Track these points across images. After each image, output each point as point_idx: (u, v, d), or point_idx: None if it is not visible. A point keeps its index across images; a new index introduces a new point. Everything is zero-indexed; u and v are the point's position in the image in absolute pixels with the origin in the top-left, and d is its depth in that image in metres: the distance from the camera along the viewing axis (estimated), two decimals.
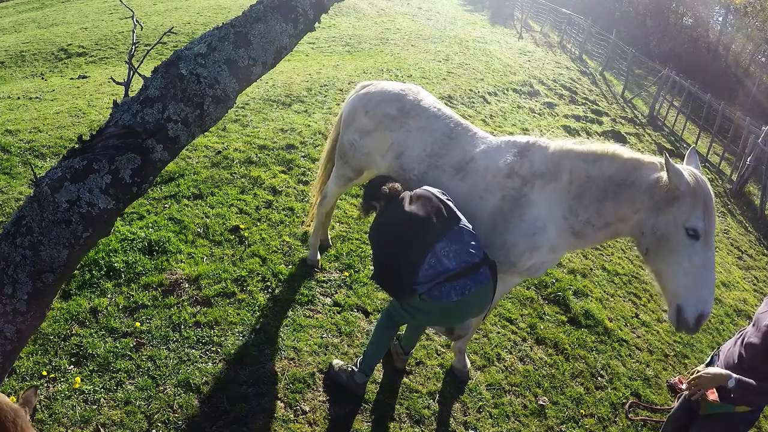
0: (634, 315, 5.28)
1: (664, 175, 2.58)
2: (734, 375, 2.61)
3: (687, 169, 2.60)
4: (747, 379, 2.61)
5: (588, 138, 10.81)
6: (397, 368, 3.58)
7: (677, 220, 2.54)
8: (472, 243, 2.75)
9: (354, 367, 3.28)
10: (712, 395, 2.75)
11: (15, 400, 2.17)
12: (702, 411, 2.88)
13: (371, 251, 3.02)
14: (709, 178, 12.38)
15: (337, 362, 3.40)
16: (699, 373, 2.70)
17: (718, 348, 3.08)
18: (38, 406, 2.80)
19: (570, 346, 4.40)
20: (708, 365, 2.95)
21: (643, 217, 2.65)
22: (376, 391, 3.43)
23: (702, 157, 13.49)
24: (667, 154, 2.61)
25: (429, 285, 2.66)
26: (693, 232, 2.51)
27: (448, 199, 2.87)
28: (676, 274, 2.56)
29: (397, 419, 3.29)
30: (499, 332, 4.26)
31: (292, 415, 3.12)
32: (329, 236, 4.66)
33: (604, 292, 5.43)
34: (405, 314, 2.97)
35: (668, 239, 2.57)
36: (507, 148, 3.11)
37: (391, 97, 3.48)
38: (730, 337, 5.71)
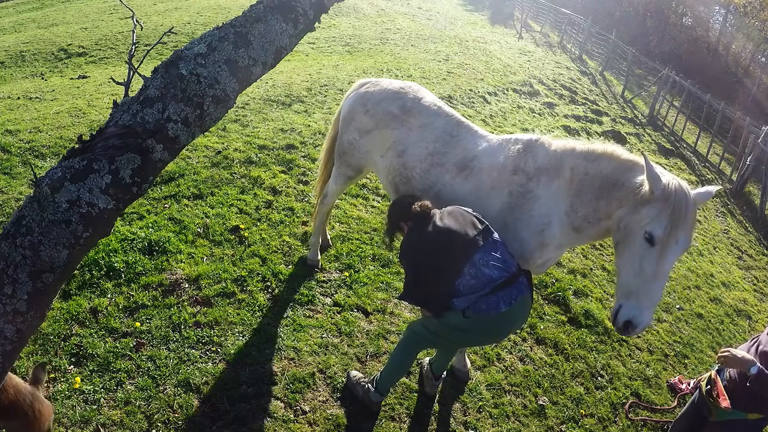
0: None
1: None
2: (758, 364, 2.61)
3: (673, 179, 2.55)
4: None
5: (588, 138, 10.83)
6: (427, 393, 3.47)
7: (642, 222, 2.53)
8: (507, 254, 2.72)
9: (370, 385, 3.20)
10: (725, 402, 2.75)
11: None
12: (713, 417, 2.88)
13: (404, 271, 2.95)
14: (709, 178, 12.41)
15: (355, 374, 3.37)
16: (729, 351, 2.72)
17: None
18: None
19: (570, 346, 4.40)
20: (719, 371, 2.95)
21: (623, 213, 2.64)
22: None
23: (702, 157, 13.49)
24: (647, 156, 2.59)
25: (473, 297, 2.57)
26: (649, 236, 2.48)
27: (477, 215, 2.83)
28: (627, 275, 2.56)
29: (397, 419, 3.29)
30: None
31: (292, 415, 3.12)
32: (329, 236, 4.66)
33: (604, 292, 5.43)
34: (435, 337, 2.86)
35: (630, 237, 2.57)
36: (509, 145, 3.10)
37: (392, 96, 3.45)
38: (731, 337, 5.74)
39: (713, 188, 2.69)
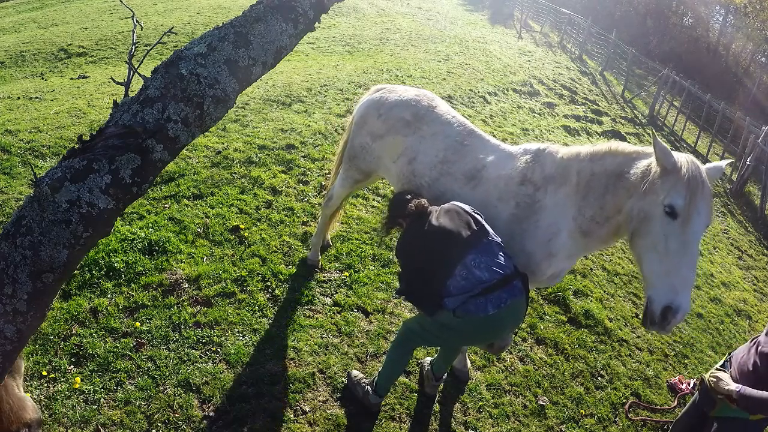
0: (634, 315, 5.28)
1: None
2: (737, 387, 2.64)
3: (681, 154, 2.50)
4: (751, 392, 2.62)
5: (588, 138, 10.83)
6: (427, 393, 3.47)
7: (659, 199, 2.42)
8: (503, 255, 2.69)
9: (369, 387, 3.21)
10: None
11: None
12: (714, 412, 2.88)
13: (399, 267, 2.97)
14: None
15: (356, 374, 3.37)
16: (717, 377, 2.78)
17: (730, 354, 3.07)
18: (38, 406, 2.79)
19: (570, 346, 4.40)
20: (723, 367, 2.96)
21: (634, 201, 2.56)
22: None
23: (702, 157, 13.50)
24: (655, 131, 2.53)
25: (463, 298, 2.57)
26: (670, 209, 2.36)
27: (476, 213, 2.82)
28: (652, 260, 2.40)
29: (397, 419, 3.29)
30: None
31: (292, 415, 3.12)
32: (329, 236, 4.66)
33: (604, 292, 5.43)
34: (429, 335, 2.86)
35: (648, 219, 2.45)
36: (519, 155, 3.07)
37: (406, 102, 3.46)
38: (731, 337, 5.74)
39: (723, 162, 2.61)
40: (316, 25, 2.18)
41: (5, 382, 2.02)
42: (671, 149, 2.49)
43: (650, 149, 2.61)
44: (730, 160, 2.92)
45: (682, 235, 2.35)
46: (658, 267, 2.38)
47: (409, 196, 3.03)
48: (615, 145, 2.78)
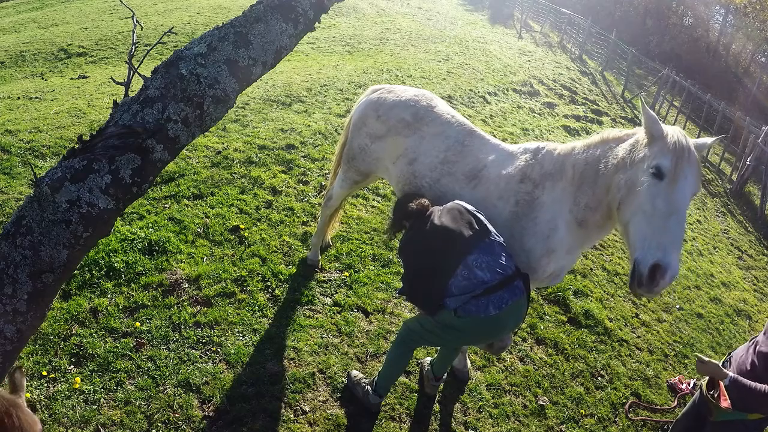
0: (634, 315, 5.28)
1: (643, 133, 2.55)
2: (730, 374, 2.65)
3: (670, 126, 2.53)
4: (743, 380, 2.63)
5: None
6: (427, 393, 3.48)
7: (645, 164, 2.43)
8: (504, 255, 2.69)
9: (369, 387, 3.21)
10: (725, 402, 2.77)
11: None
12: (713, 417, 2.89)
13: (402, 267, 2.97)
14: (709, 178, 12.43)
15: (355, 374, 3.37)
16: (704, 359, 2.79)
17: (729, 354, 3.08)
18: (38, 407, 2.80)
19: (570, 346, 4.40)
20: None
21: (621, 174, 2.57)
22: None
23: (702, 157, 13.48)
24: (644, 100, 2.57)
25: (464, 298, 2.57)
26: (656, 169, 2.36)
27: (478, 212, 2.82)
28: (639, 222, 2.37)
29: (397, 419, 3.29)
30: None
31: (292, 415, 3.12)
32: (329, 236, 4.66)
33: (604, 292, 5.43)
34: (430, 335, 2.86)
35: (636, 185, 2.45)
36: (519, 154, 3.09)
37: (405, 102, 3.44)
38: (731, 337, 5.74)
39: (710, 139, 2.65)
40: (316, 25, 2.18)
41: (17, 401, 2.09)
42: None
43: (640, 129, 2.63)
44: (719, 137, 2.94)
45: (669, 195, 2.34)
46: (646, 228, 2.35)
47: (409, 197, 3.04)
48: (606, 133, 2.81)
